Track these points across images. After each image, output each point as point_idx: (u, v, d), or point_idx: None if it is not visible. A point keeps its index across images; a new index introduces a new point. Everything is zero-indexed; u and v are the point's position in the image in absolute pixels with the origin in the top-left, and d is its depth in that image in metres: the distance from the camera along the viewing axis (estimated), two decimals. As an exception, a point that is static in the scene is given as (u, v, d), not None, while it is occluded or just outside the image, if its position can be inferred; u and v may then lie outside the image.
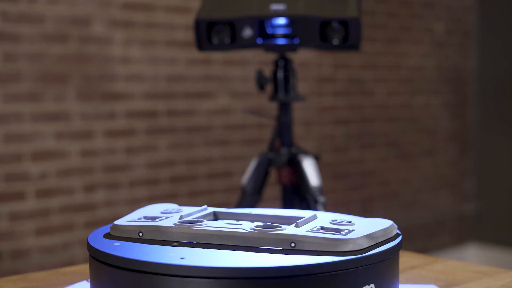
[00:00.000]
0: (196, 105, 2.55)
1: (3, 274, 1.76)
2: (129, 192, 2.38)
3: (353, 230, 0.62)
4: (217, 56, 2.59)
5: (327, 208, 1.51)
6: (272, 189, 2.33)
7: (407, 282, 0.76)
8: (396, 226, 0.67)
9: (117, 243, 0.64)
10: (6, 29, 2.09)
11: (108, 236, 0.68)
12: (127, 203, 2.37)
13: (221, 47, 1.47)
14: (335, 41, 1.42)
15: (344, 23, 1.41)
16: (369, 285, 0.59)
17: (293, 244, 0.60)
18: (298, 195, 1.58)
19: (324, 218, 0.69)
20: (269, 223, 0.65)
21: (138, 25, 2.39)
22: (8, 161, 2.11)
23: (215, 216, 0.74)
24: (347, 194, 3.10)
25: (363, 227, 0.64)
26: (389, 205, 3.28)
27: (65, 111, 2.22)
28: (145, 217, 0.70)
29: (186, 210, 0.74)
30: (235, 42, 1.45)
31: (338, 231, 0.62)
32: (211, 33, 1.46)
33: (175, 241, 0.65)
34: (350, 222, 0.66)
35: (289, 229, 0.63)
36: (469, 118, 3.67)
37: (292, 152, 1.57)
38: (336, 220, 0.66)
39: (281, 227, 0.63)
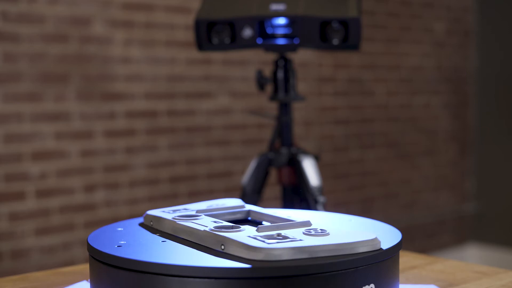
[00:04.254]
0: (196, 105, 2.55)
1: (3, 274, 1.76)
2: (129, 192, 2.38)
3: (300, 240, 0.59)
4: (217, 56, 2.59)
5: (327, 208, 1.51)
6: (272, 189, 2.33)
7: (407, 282, 0.76)
8: (377, 241, 0.61)
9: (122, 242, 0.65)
10: (6, 29, 2.09)
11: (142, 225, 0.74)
12: (127, 203, 2.37)
13: (221, 47, 1.47)
14: (335, 41, 1.42)
15: (344, 23, 1.41)
16: (369, 285, 0.59)
17: (222, 247, 0.60)
18: (298, 195, 1.58)
19: (319, 222, 0.69)
20: (231, 224, 0.65)
21: (138, 25, 2.39)
22: (8, 161, 2.11)
23: (248, 216, 0.76)
24: (347, 194, 3.10)
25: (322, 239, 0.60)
26: (389, 205, 3.28)
27: (65, 111, 2.22)
28: (184, 209, 0.75)
29: (225, 206, 0.76)
30: (235, 42, 1.45)
31: (282, 238, 0.60)
32: (211, 33, 1.46)
33: (160, 232, 0.69)
34: (324, 231, 0.62)
35: (234, 232, 0.62)
36: (469, 118, 3.67)
37: (292, 152, 1.57)
38: (311, 231, 0.63)
39: (240, 227, 0.63)
